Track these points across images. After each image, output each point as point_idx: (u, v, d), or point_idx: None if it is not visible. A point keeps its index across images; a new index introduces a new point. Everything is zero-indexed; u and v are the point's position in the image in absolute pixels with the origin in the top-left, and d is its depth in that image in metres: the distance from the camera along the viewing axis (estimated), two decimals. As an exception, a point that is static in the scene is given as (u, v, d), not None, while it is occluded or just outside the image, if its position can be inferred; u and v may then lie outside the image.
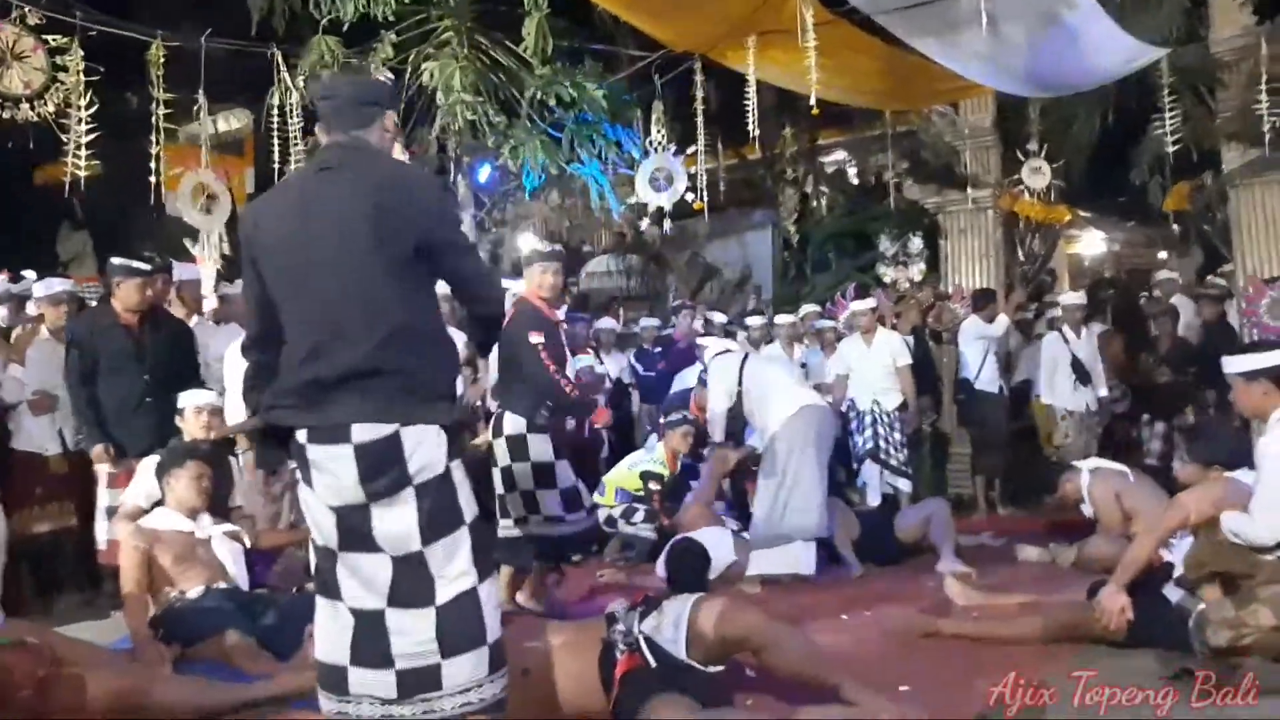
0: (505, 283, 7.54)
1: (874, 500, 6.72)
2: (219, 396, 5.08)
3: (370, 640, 2.42)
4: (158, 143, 5.77)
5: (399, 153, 2.79)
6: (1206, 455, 4.22)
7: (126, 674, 2.83)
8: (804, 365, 7.99)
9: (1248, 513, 3.50)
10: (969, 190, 8.88)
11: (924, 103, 8.67)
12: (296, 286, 2.47)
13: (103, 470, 4.94)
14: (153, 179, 5.80)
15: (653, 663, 2.89)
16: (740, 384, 5.46)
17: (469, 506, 2.50)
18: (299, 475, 2.51)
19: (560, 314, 4.73)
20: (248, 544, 4.52)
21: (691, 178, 7.71)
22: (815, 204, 11.46)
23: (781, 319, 8.35)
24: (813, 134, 12.02)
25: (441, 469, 2.44)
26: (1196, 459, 4.29)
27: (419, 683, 2.39)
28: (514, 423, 4.38)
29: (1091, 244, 15.01)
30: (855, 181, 12.40)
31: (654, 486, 6.02)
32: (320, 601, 2.52)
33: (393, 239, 2.41)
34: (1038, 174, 8.86)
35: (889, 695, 3.03)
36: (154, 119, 5.73)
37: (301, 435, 2.44)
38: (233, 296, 6.04)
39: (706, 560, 4.84)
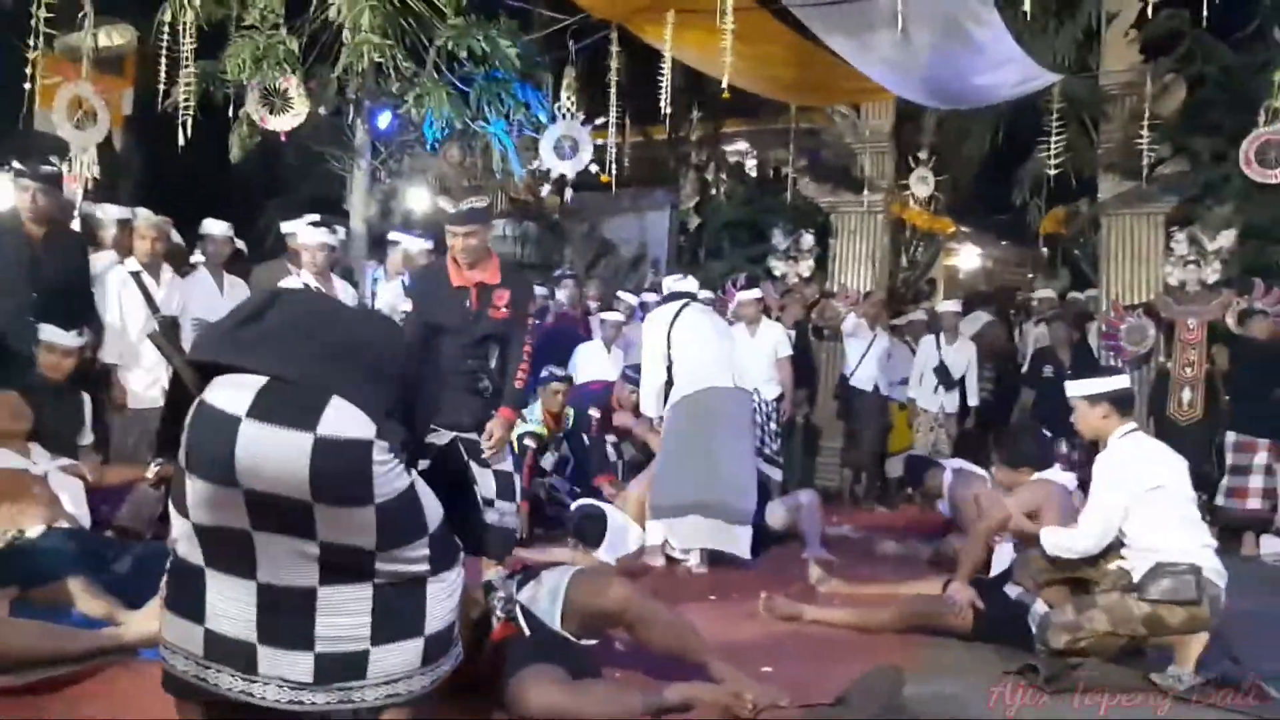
0: (395, 235, 7.36)
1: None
2: (76, 335, 4.82)
3: (288, 617, 2.14)
4: (35, 47, 5.34)
5: None
6: (1014, 458, 4.55)
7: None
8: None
9: (1065, 520, 3.79)
10: (863, 193, 9.11)
11: (829, 100, 8.84)
12: None
13: None
14: (27, 86, 5.38)
15: (528, 632, 2.89)
16: (670, 336, 5.33)
17: (434, 514, 2.23)
18: (183, 453, 2.06)
19: (482, 276, 4.16)
20: (88, 478, 4.30)
21: (598, 150, 7.65)
22: (715, 190, 11.56)
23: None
24: (718, 121, 12.12)
25: (405, 484, 2.14)
26: (1006, 462, 4.59)
27: (340, 669, 2.16)
28: None
29: (968, 258, 15.68)
30: (754, 173, 12.57)
31: (529, 444, 5.95)
32: (211, 573, 2.16)
33: None
34: (923, 183, 9.16)
35: (752, 675, 3.11)
36: (34, 21, 5.29)
37: (234, 405, 2.00)
38: (98, 220, 5.69)
39: (600, 535, 4.86)
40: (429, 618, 2.24)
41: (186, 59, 6.23)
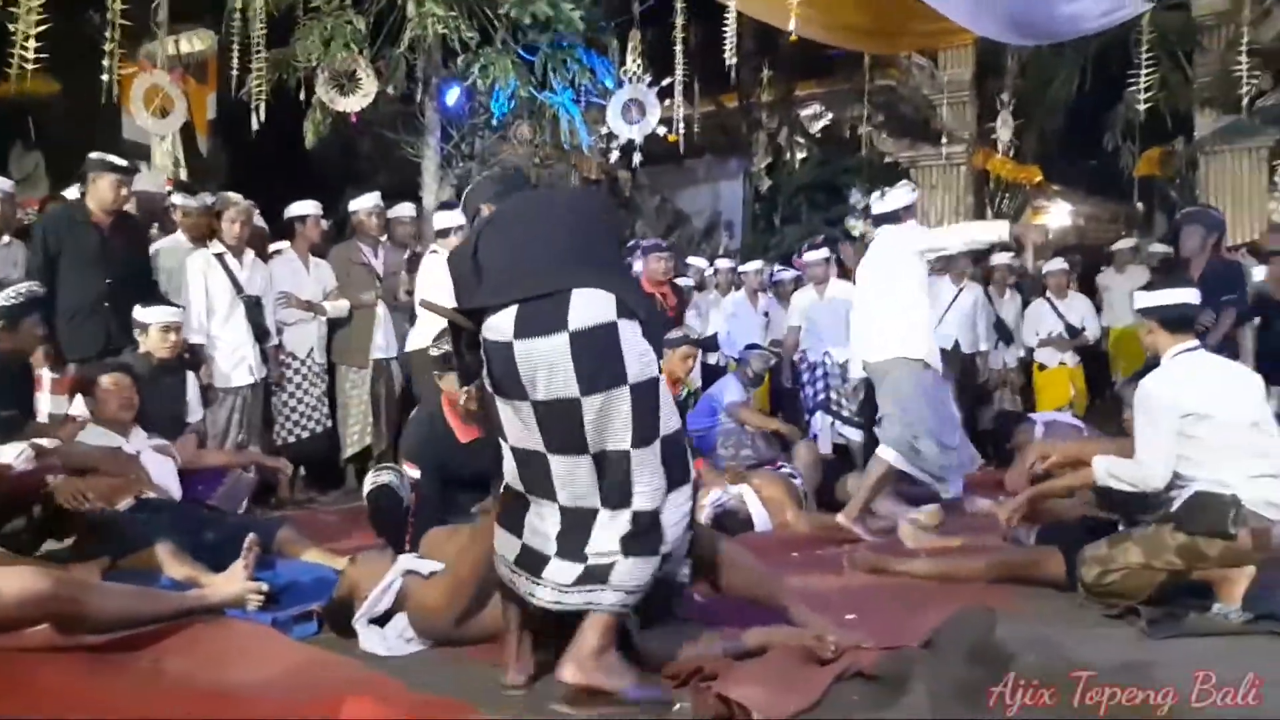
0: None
1: (825, 450, 6.69)
2: (180, 312, 4.99)
3: (575, 535, 2.51)
4: (113, 39, 5.47)
5: None
6: None
7: (49, 579, 2.62)
8: (766, 315, 7.97)
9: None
10: (943, 145, 8.83)
11: (904, 46, 8.57)
12: None
13: (44, 375, 4.78)
14: (105, 77, 5.51)
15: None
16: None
17: (669, 418, 2.55)
18: (488, 381, 2.54)
19: None
20: (177, 458, 4.43)
21: (666, 113, 7.54)
22: (789, 154, 11.34)
23: (748, 266, 8.29)
24: (790, 83, 11.88)
25: (654, 373, 2.50)
26: None
27: (594, 576, 2.47)
28: None
29: (1058, 216, 15.07)
30: (827, 134, 12.28)
31: None
32: (531, 498, 2.60)
33: None
34: (1005, 126, 8.86)
35: (836, 623, 3.01)
36: (110, 15, 5.41)
37: (504, 331, 2.45)
38: (179, 207, 5.83)
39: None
40: (667, 536, 2.51)
41: (258, 45, 6.33)
